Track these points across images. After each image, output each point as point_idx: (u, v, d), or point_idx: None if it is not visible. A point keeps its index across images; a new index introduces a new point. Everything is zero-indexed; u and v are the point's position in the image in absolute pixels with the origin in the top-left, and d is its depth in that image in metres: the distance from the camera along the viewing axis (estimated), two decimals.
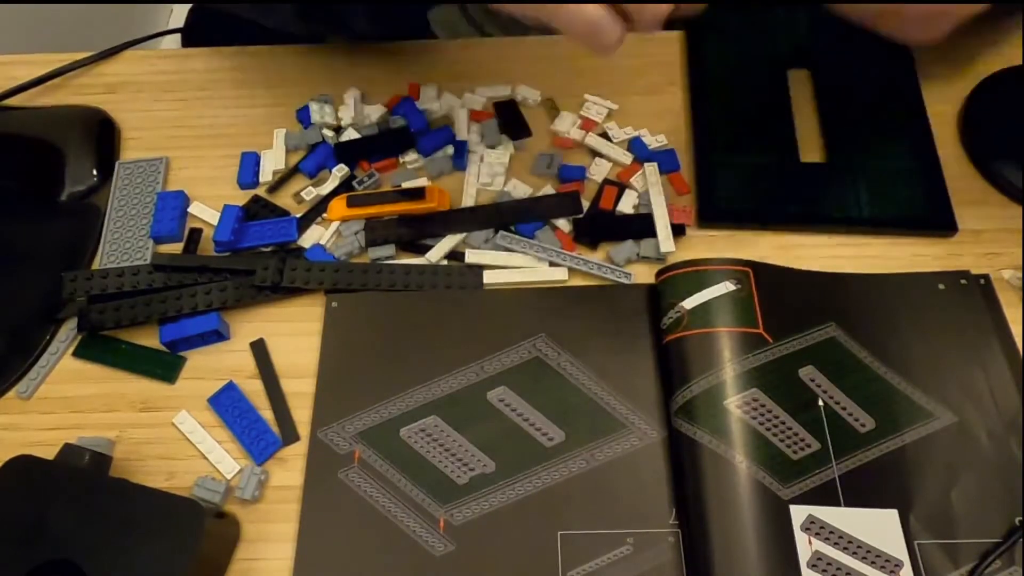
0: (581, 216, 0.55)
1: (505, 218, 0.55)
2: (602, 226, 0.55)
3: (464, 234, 0.55)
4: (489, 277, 0.53)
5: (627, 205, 0.56)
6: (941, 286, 0.51)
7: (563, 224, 0.55)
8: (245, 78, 0.65)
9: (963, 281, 0.51)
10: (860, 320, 0.50)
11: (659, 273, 0.51)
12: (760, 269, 0.50)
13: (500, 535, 0.45)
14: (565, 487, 0.46)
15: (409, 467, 0.47)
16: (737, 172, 0.57)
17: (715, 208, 0.55)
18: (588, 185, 0.57)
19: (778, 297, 0.49)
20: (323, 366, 0.51)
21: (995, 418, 0.47)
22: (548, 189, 0.57)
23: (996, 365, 0.48)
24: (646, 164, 0.57)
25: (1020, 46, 0.62)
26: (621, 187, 0.57)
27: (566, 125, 0.60)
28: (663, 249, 0.53)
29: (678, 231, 0.54)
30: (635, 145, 0.58)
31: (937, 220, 0.54)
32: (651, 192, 0.55)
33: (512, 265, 0.54)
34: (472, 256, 0.54)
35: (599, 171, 0.58)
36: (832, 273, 0.52)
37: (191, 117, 0.63)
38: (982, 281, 0.51)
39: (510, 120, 0.61)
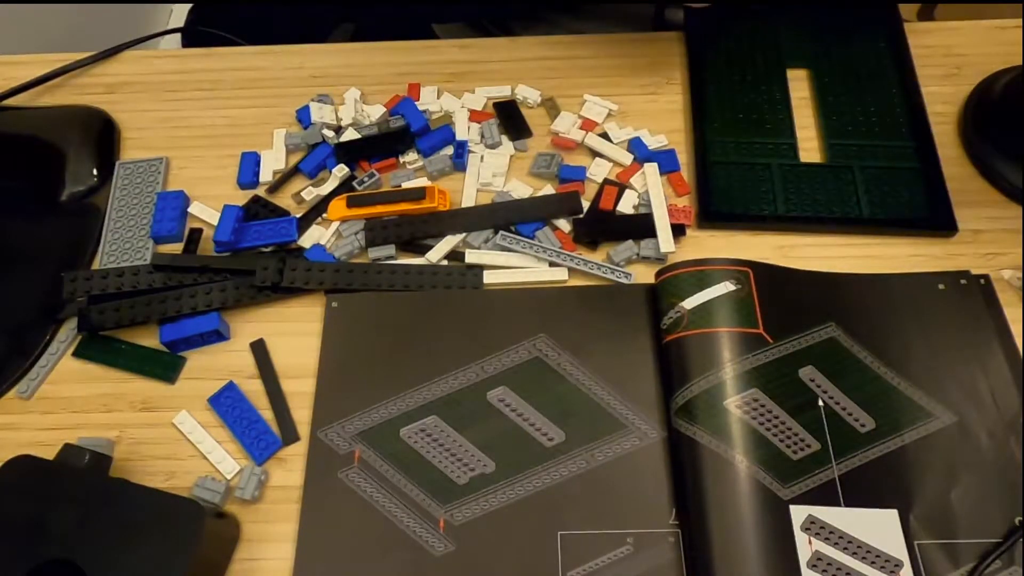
0: (581, 216, 0.55)
1: (505, 218, 0.55)
2: (602, 226, 0.55)
3: (464, 234, 0.55)
4: (489, 277, 0.53)
5: (627, 205, 0.56)
6: (941, 286, 0.51)
7: (563, 224, 0.55)
8: (245, 78, 0.65)
9: (963, 281, 0.51)
10: (860, 320, 0.50)
11: (659, 273, 0.51)
12: (760, 269, 0.50)
13: (500, 535, 0.45)
14: (565, 487, 0.46)
15: (409, 467, 0.47)
16: (737, 172, 0.57)
17: (715, 208, 0.55)
18: (588, 185, 0.57)
19: (778, 297, 0.49)
20: (323, 366, 0.51)
21: (995, 418, 0.47)
22: (548, 189, 0.57)
23: (996, 365, 0.48)
24: (646, 164, 0.57)
25: (1020, 45, 0.62)
26: (621, 187, 0.56)
27: (566, 125, 0.60)
28: (663, 249, 0.53)
29: (678, 231, 0.54)
30: (635, 145, 0.58)
31: (937, 220, 0.54)
32: (651, 192, 0.55)
33: (512, 265, 0.54)
34: (472, 256, 0.54)
35: (599, 171, 0.58)
36: (832, 273, 0.52)
37: (191, 117, 0.63)
38: (982, 281, 0.51)
39: (510, 120, 0.61)
